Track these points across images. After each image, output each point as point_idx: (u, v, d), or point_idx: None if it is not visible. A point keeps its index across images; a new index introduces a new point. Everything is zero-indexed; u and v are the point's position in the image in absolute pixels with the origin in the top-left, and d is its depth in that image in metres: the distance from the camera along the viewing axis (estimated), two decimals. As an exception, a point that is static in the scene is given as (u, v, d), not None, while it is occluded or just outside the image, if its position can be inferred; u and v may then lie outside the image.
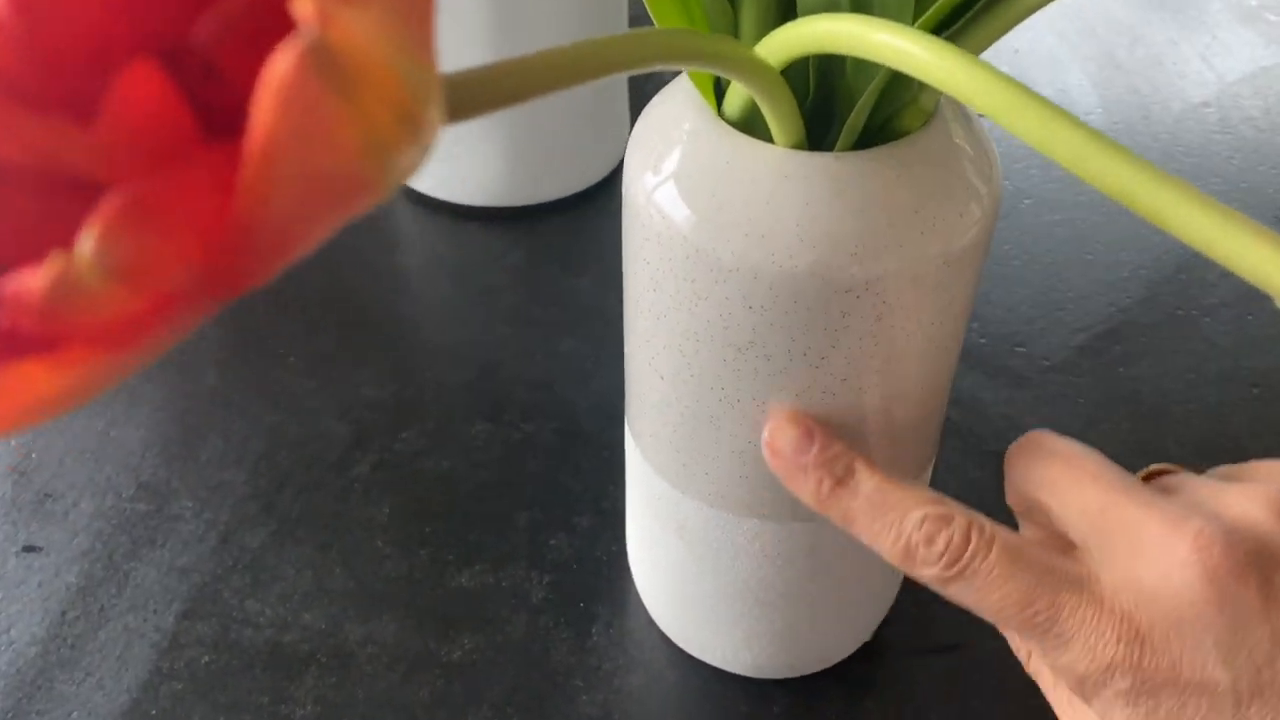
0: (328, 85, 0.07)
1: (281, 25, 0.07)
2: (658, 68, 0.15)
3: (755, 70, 0.17)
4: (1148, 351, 0.37)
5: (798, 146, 0.19)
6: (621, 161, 0.45)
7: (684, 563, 0.26)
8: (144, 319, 0.07)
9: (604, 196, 0.44)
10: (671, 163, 0.21)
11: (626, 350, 0.24)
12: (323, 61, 0.07)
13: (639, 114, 0.23)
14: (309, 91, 0.07)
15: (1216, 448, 0.34)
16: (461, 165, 0.42)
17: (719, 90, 0.21)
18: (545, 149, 0.42)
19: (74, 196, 0.07)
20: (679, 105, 0.21)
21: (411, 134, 0.08)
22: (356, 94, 0.07)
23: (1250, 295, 0.39)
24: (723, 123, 0.20)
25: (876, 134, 0.20)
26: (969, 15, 0.18)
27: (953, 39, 0.19)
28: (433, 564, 0.31)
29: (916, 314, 0.20)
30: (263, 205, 0.07)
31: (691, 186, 0.20)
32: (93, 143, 0.07)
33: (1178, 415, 0.35)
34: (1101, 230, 0.42)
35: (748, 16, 0.19)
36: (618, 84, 0.44)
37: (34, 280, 0.07)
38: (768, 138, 0.20)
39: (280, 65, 0.07)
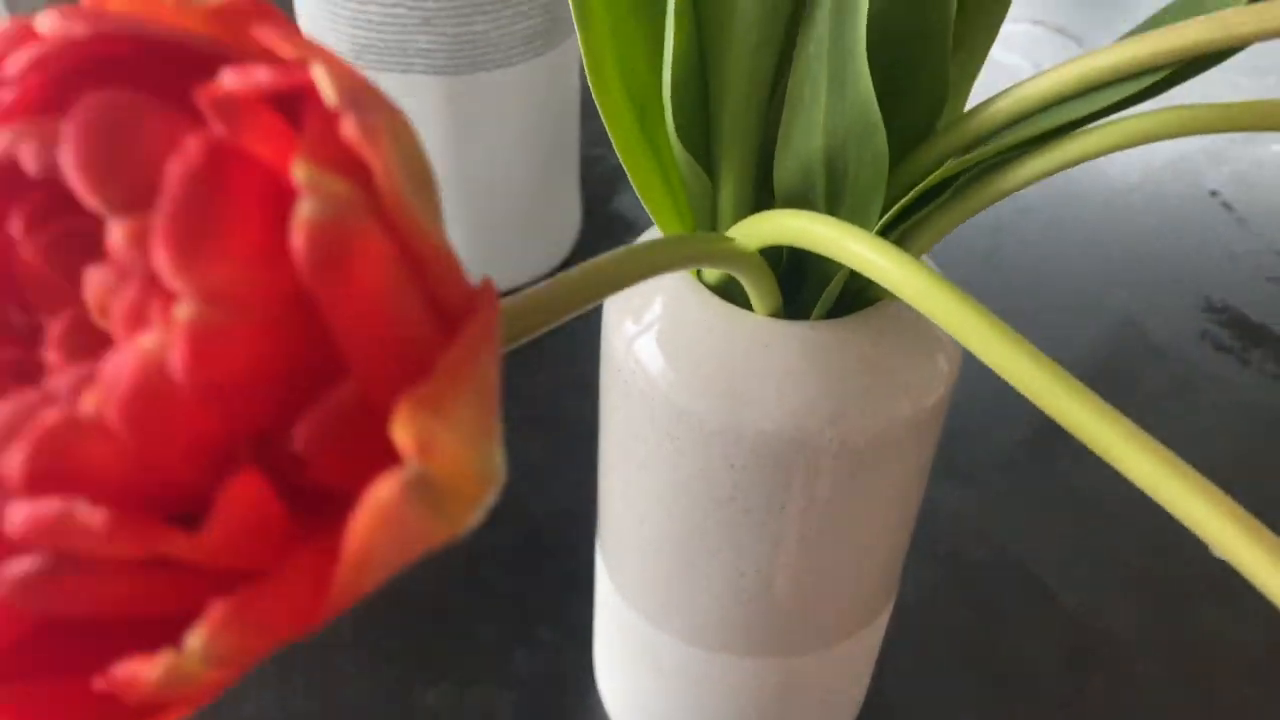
0: (424, 506, 0.07)
1: (377, 431, 0.07)
2: (672, 271, 0.16)
3: (744, 259, 0.18)
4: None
5: (775, 315, 0.20)
6: (570, 254, 0.46)
7: (657, 692, 0.26)
8: (231, 675, 0.08)
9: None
10: (651, 318, 0.21)
11: (602, 485, 0.25)
12: (422, 490, 0.07)
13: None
14: (406, 514, 0.07)
15: (1164, 544, 0.35)
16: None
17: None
18: (498, 241, 0.42)
19: (163, 571, 0.07)
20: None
21: (484, 503, 0.08)
22: (448, 506, 0.07)
23: (1187, 387, 0.41)
24: (702, 287, 0.21)
25: (849, 300, 0.21)
26: (943, 197, 0.19)
27: (925, 218, 0.20)
28: (398, 683, 0.30)
29: (889, 467, 0.21)
30: (351, 592, 0.07)
31: (672, 346, 0.21)
32: (198, 546, 0.07)
33: (1123, 514, 0.36)
34: (1038, 319, 0.44)
35: (726, 191, 0.20)
36: (568, 172, 0.44)
37: (146, 672, 0.07)
38: (745, 302, 0.20)
39: (382, 493, 0.07)
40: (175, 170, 0.07)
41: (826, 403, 0.20)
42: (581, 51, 0.19)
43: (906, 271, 0.16)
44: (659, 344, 0.21)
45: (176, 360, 0.07)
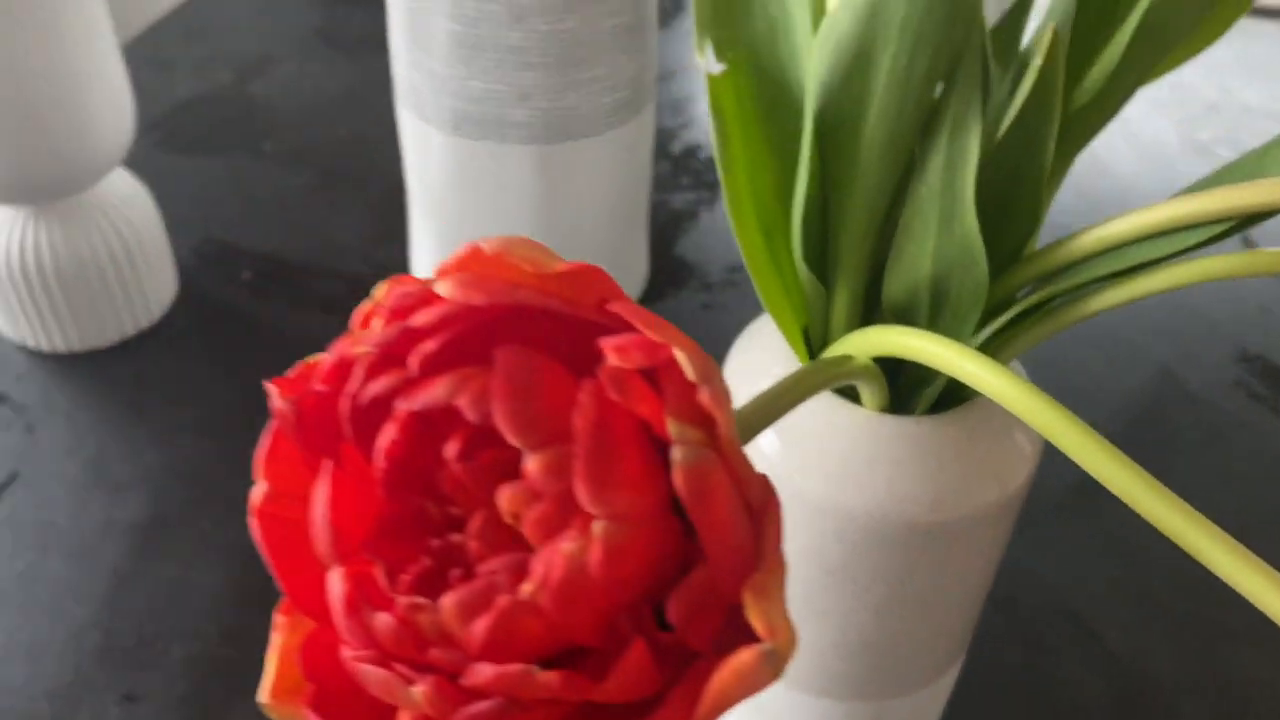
0: (769, 668, 0.10)
1: (719, 604, 0.10)
2: (818, 393, 0.19)
3: (867, 372, 0.21)
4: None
5: (883, 410, 0.23)
6: (640, 297, 0.49)
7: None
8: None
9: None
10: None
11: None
12: (770, 659, 0.10)
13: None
14: (757, 674, 0.10)
15: (1201, 588, 0.38)
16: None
17: (805, 339, 0.25)
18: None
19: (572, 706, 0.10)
20: (771, 354, 0.25)
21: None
22: (780, 665, 0.10)
23: (1221, 435, 0.44)
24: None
25: (946, 396, 0.24)
26: (1032, 318, 0.22)
27: (1014, 334, 0.23)
28: None
29: (978, 543, 0.24)
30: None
31: (793, 435, 0.24)
32: (603, 692, 0.10)
33: (1163, 559, 0.39)
34: (1080, 368, 0.47)
35: (839, 302, 0.23)
36: (640, 223, 0.47)
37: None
38: (857, 397, 0.23)
39: (744, 659, 0.10)
40: (581, 423, 0.10)
41: (927, 489, 0.23)
42: (722, 186, 0.22)
43: (1000, 380, 0.19)
44: (780, 433, 0.24)
45: (593, 561, 0.10)
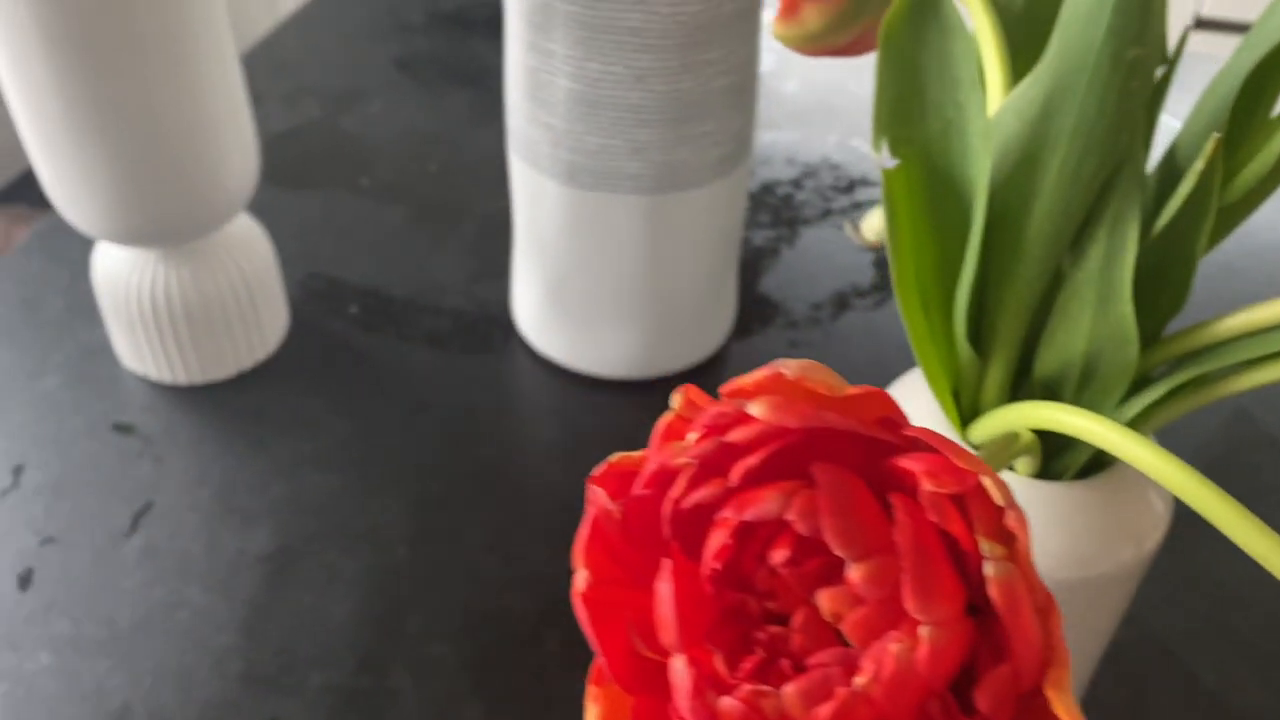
0: None
1: (1016, 692, 0.12)
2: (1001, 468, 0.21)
3: (1030, 447, 0.23)
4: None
5: (1033, 475, 0.25)
6: (725, 343, 0.51)
7: None
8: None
9: (714, 369, 0.50)
10: None
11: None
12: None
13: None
14: None
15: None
16: (600, 342, 0.47)
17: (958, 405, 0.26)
18: (678, 328, 0.47)
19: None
20: (925, 417, 0.27)
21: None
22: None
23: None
24: (969, 447, 0.26)
25: (1091, 463, 0.25)
26: (1176, 395, 0.24)
27: (1157, 408, 0.24)
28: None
29: (1116, 596, 0.26)
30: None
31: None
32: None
33: (1253, 598, 0.41)
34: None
35: (993, 373, 0.25)
36: (733, 265, 0.49)
37: None
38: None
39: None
40: (904, 540, 0.12)
41: (1075, 548, 0.24)
42: (890, 266, 0.24)
43: (1145, 452, 0.21)
44: None
45: (920, 659, 0.12)
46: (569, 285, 0.46)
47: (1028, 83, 0.22)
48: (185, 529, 0.41)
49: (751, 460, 0.13)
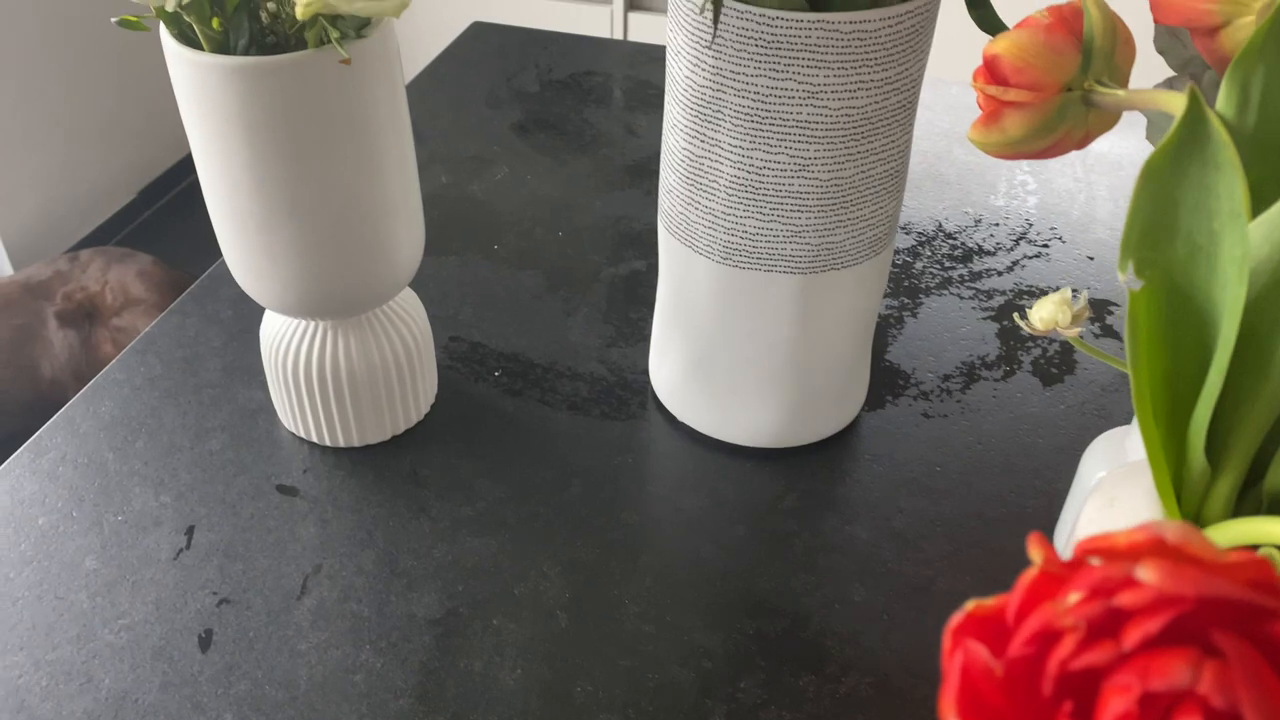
0: None
1: None
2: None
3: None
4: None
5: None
6: (859, 413, 0.52)
7: None
8: None
9: (850, 438, 0.51)
10: None
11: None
12: None
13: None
14: None
15: None
16: (742, 412, 0.48)
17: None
18: (820, 401, 0.49)
19: None
20: (1141, 498, 0.27)
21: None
22: None
23: None
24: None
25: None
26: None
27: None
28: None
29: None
30: None
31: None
32: None
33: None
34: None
35: (1222, 483, 0.26)
36: (870, 339, 0.50)
37: None
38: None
39: None
40: None
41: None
42: (1130, 378, 0.25)
43: None
44: None
45: None
46: (715, 358, 0.47)
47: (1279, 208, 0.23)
48: (354, 592, 0.43)
49: (1151, 626, 0.14)
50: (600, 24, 1.83)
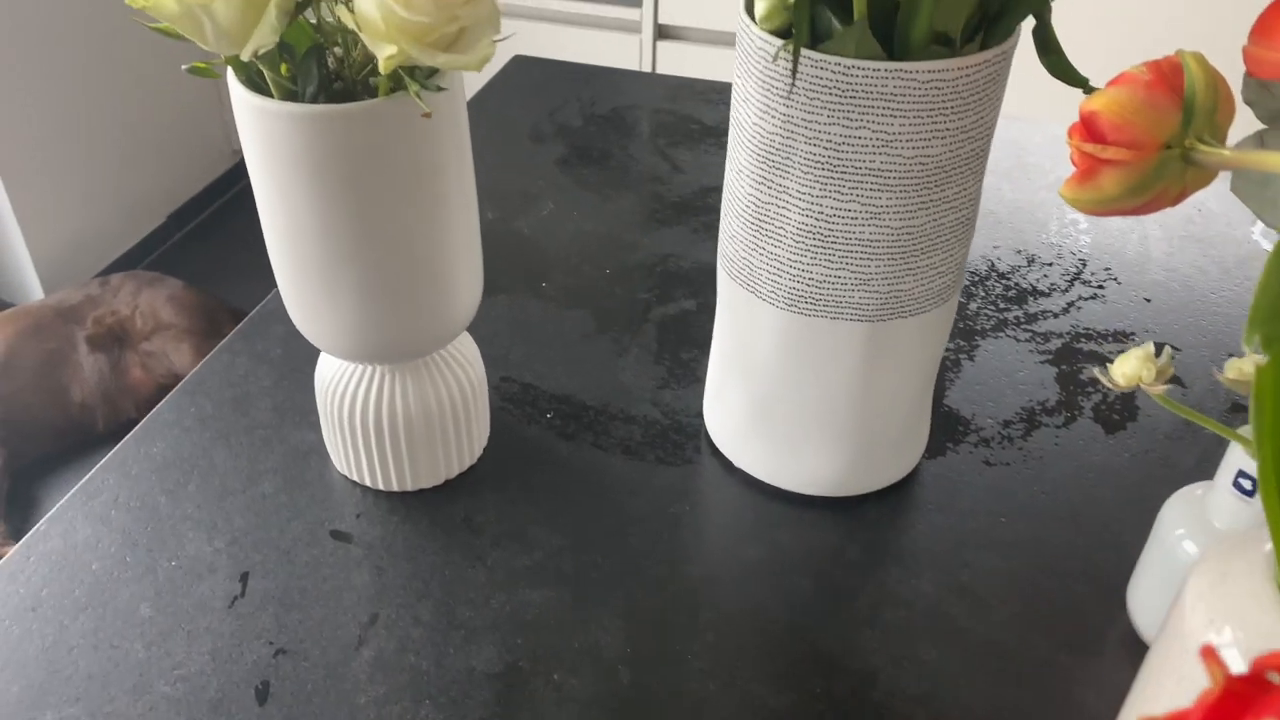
0: None
1: None
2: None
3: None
4: None
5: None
6: (920, 461, 0.51)
7: None
8: None
9: (911, 487, 0.50)
10: (1238, 628, 0.26)
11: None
12: None
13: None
14: None
15: None
16: (803, 460, 0.48)
17: None
18: (876, 447, 0.48)
19: None
20: (1258, 575, 0.26)
21: None
22: None
23: None
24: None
25: None
26: None
27: None
28: None
29: None
30: None
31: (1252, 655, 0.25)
32: None
33: None
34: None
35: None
36: (932, 379, 0.49)
37: None
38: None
39: None
40: None
41: None
42: (1256, 453, 0.24)
43: None
44: (1239, 651, 0.25)
45: None
46: (776, 404, 0.47)
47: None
48: (412, 643, 0.42)
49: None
50: (629, 52, 1.84)
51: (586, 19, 1.84)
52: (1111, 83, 0.30)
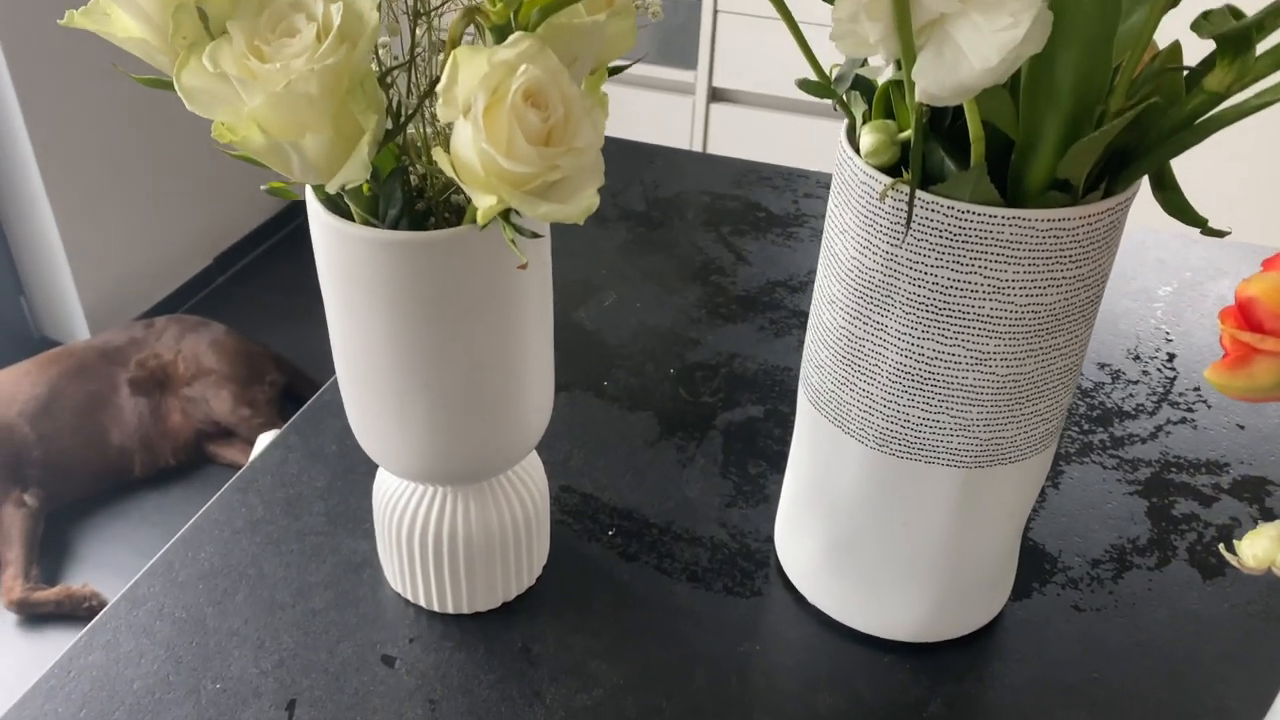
0: None
1: None
2: None
3: None
4: None
5: None
6: (1004, 608, 0.47)
7: None
8: None
9: (996, 633, 0.47)
10: None
11: None
12: None
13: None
14: None
15: None
16: (883, 602, 0.45)
17: None
18: (963, 593, 0.45)
19: None
20: None
21: None
22: None
23: None
24: None
25: None
26: None
27: None
28: None
29: None
30: None
31: None
32: None
33: None
34: None
35: None
36: (1018, 531, 0.47)
37: None
38: None
39: None
40: None
41: None
42: None
43: None
44: None
45: None
46: (859, 544, 0.44)
47: None
48: (465, 791, 0.40)
49: None
50: (682, 114, 1.83)
51: (641, 80, 1.84)
52: (1268, 264, 0.28)
